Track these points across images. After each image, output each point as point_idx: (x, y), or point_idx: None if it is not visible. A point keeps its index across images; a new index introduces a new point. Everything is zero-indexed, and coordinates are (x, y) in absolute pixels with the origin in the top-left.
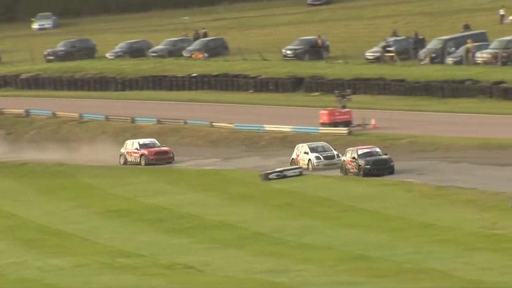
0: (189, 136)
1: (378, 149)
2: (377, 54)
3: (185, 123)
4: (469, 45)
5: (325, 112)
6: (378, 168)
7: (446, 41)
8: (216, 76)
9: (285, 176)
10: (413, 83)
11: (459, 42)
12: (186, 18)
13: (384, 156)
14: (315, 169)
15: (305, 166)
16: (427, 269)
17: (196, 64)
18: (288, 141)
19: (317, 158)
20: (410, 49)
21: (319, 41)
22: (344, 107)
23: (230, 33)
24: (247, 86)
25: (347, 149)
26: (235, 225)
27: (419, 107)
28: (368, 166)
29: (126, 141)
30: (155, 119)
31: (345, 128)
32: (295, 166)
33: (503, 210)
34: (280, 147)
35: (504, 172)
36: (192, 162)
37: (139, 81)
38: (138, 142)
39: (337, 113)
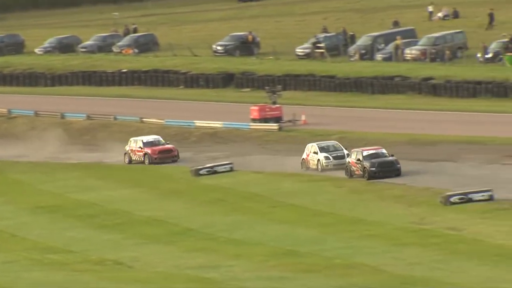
0: (119, 132)
1: (384, 151)
2: (308, 51)
3: (115, 118)
4: (398, 41)
5: (256, 108)
6: (383, 170)
7: (376, 37)
8: (146, 71)
9: (215, 172)
10: (343, 79)
11: (388, 38)
12: (116, 13)
13: (390, 158)
14: (324, 169)
15: (315, 167)
16: (357, 264)
17: (126, 60)
18: (218, 137)
19: (327, 158)
20: (340, 46)
21: (250, 37)
22: (274, 103)
23: (161, 29)
24: (178, 82)
25: (352, 150)
26: (166, 220)
27: (349, 103)
28: (374, 169)
29: (130, 139)
30: (85, 115)
31: (275, 124)
32: (226, 162)
33: (432, 206)
34: (211, 142)
35: (432, 168)
36: (122, 158)
37: (68, 77)
38: (142, 140)
39: (267, 109)
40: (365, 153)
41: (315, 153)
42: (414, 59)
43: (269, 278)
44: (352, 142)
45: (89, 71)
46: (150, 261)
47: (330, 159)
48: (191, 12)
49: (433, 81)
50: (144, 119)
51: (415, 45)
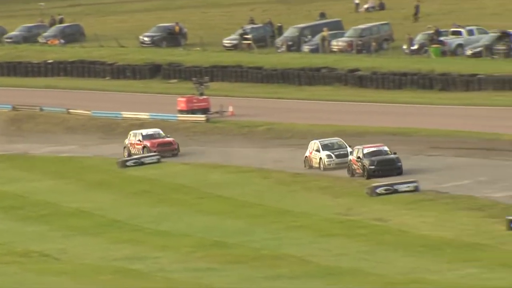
0: (45, 123)
1: (386, 148)
2: (235, 42)
3: (41, 109)
4: (325, 33)
5: (183, 99)
6: (383, 169)
7: (302, 29)
8: (73, 62)
9: (142, 163)
10: (270, 70)
11: (315, 30)
12: (42, 4)
13: (391, 156)
14: (326, 168)
15: (317, 165)
16: (284, 255)
17: (52, 51)
18: (146, 128)
19: (329, 156)
20: (267, 37)
21: (177, 28)
22: (201, 94)
23: (87, 20)
24: (104, 73)
25: (354, 147)
26: (92, 212)
27: (276, 95)
28: (373, 167)
29: (130, 132)
30: (10, 106)
31: (202, 116)
32: (152, 153)
33: (358, 197)
34: None
35: None
36: (48, 149)
37: None
38: (141, 133)
39: (194, 100)
40: (365, 151)
41: (317, 151)
42: (341, 51)
43: (196, 270)
44: (280, 133)
45: (14, 62)
46: (76, 253)
47: (332, 158)
48: (118, 3)
49: (359, 73)
50: (71, 110)
51: (341, 36)
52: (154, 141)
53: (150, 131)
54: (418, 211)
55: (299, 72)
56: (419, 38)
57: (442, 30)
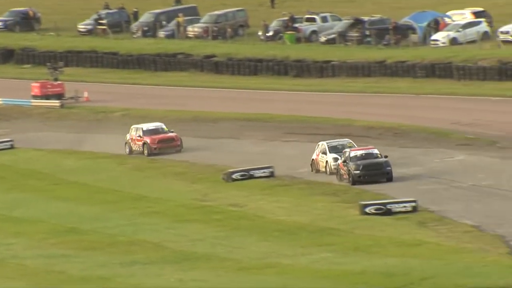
0: None
1: (376, 151)
2: (90, 27)
3: None
4: (180, 19)
5: (37, 84)
6: (369, 173)
7: (158, 14)
8: None
9: None
10: (125, 56)
11: (170, 16)
12: None
13: (378, 160)
14: (332, 173)
15: (323, 169)
16: (140, 241)
17: None
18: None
19: (335, 160)
20: (122, 22)
21: (31, 13)
22: (56, 79)
23: None
24: None
25: (344, 150)
26: None
27: (132, 80)
28: (358, 172)
29: (132, 126)
30: None
31: (57, 101)
32: (6, 139)
33: (214, 182)
34: None
35: (215, 145)
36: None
37: None
38: (142, 128)
39: (49, 86)
40: (352, 154)
41: (324, 153)
42: (197, 37)
43: (50, 256)
44: (135, 120)
45: None
46: None
47: (339, 161)
48: None
49: (215, 59)
50: None
51: (197, 22)
52: (155, 137)
53: (151, 125)
54: (273, 197)
55: (154, 58)
56: (274, 24)
57: (296, 16)
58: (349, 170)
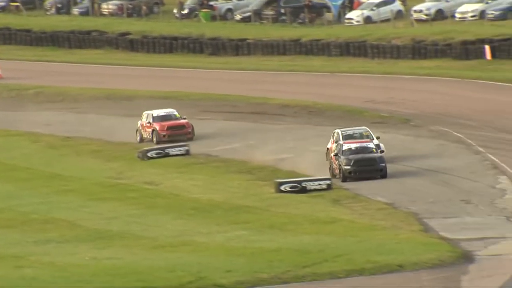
0: None
1: (371, 145)
2: (3, 4)
3: None
4: None
5: None
6: (361, 170)
7: None
8: None
9: None
10: (39, 33)
11: None
12: None
13: (372, 155)
14: None
15: None
16: (54, 219)
17: None
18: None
19: None
20: None
21: None
22: None
23: None
24: None
25: (338, 142)
26: None
27: (46, 58)
28: (348, 167)
29: (143, 112)
30: None
31: None
32: None
33: (129, 160)
34: None
35: (129, 124)
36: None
37: None
38: (152, 114)
39: None
40: (344, 147)
41: (337, 141)
42: (111, 14)
43: None
44: (50, 97)
45: None
46: None
47: (331, 154)
48: None
49: (130, 36)
50: None
51: (112, 0)
52: (164, 123)
53: (162, 111)
54: (189, 175)
55: (69, 35)
56: (189, 2)
57: None
58: (340, 164)
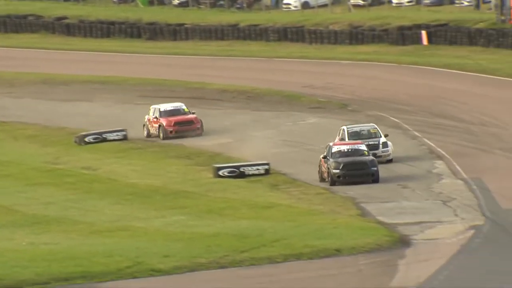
0: None
1: (363, 147)
2: None
3: None
4: None
5: None
6: (350, 174)
7: None
8: None
9: None
10: None
11: None
12: None
13: (363, 158)
14: None
15: None
16: None
17: None
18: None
19: None
20: None
21: None
22: None
23: None
24: None
25: (327, 144)
26: None
27: None
28: (337, 171)
29: (151, 106)
30: None
31: None
32: None
33: (66, 145)
34: None
35: (66, 108)
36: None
37: None
38: (159, 109)
39: None
40: (334, 149)
41: (343, 139)
42: None
43: None
44: None
45: None
46: None
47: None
48: None
49: (66, 21)
50: None
51: None
52: (171, 119)
53: (169, 106)
54: (127, 160)
55: (5, 19)
56: None
57: None
58: (328, 168)
